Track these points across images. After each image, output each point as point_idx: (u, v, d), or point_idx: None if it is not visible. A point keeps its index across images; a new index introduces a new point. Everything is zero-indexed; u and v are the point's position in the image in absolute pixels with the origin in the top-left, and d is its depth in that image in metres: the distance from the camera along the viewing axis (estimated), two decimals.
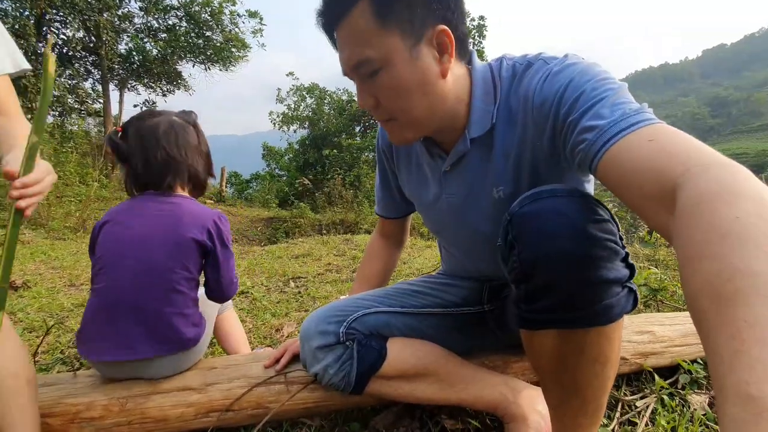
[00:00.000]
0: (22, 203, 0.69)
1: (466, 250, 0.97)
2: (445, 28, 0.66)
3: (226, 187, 13.15)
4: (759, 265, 0.30)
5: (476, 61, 0.77)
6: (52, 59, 0.61)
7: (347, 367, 0.88)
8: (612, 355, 0.64)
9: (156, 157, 1.00)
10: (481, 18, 15.18)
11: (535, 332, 0.65)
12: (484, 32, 15.17)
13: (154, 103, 13.00)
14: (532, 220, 0.59)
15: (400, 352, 0.90)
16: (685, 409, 1.00)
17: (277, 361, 1.02)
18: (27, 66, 0.86)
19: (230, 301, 1.33)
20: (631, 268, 0.62)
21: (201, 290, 1.19)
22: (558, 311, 0.59)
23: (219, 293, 1.06)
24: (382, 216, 1.14)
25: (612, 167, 0.52)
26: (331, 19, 0.69)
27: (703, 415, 0.98)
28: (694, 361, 1.16)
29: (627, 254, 0.61)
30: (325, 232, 6.94)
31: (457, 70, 0.73)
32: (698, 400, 1.03)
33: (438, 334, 0.97)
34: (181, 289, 0.96)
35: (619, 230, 0.61)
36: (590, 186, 0.82)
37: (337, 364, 0.88)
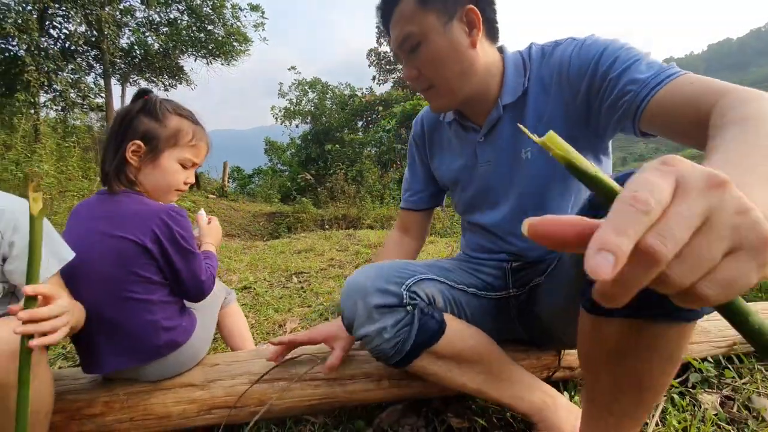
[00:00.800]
0: (33, 342, 0.59)
1: (501, 218, 0.97)
2: (473, 7, 0.81)
3: (228, 182, 13.15)
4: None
5: (507, 49, 0.91)
6: (38, 200, 0.50)
7: (404, 334, 0.79)
8: (679, 356, 0.60)
9: (102, 155, 0.95)
10: None
11: (604, 319, 0.59)
12: None
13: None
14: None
15: (459, 331, 0.84)
16: (696, 408, 0.99)
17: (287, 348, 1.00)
18: (70, 256, 0.83)
19: (233, 295, 1.31)
20: None
21: None
22: (648, 298, 0.52)
23: (185, 295, 0.97)
24: (405, 209, 1.18)
25: (658, 109, 0.63)
26: (387, 9, 0.86)
27: (715, 414, 0.96)
28: (704, 360, 1.14)
29: None
30: (327, 227, 6.93)
31: (487, 47, 0.86)
32: (709, 400, 1.01)
33: (475, 316, 0.92)
34: (136, 296, 0.89)
35: None
36: (608, 161, 0.90)
37: (394, 329, 0.79)
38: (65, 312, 0.67)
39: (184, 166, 0.99)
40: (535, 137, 0.31)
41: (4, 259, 0.77)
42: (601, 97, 0.74)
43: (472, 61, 0.84)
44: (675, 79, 0.64)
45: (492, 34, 0.87)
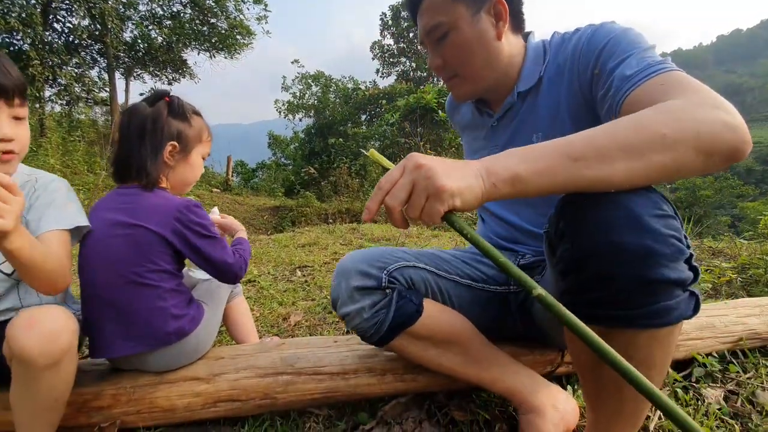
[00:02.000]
0: None
1: (508, 204, 1.01)
2: (502, 0, 0.84)
3: (232, 176, 13.20)
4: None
5: (533, 38, 0.93)
6: None
7: (382, 315, 0.84)
8: (661, 360, 0.59)
9: (119, 151, 1.01)
10: None
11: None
12: None
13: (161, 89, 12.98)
14: (588, 209, 0.55)
15: (435, 315, 0.88)
16: (699, 403, 0.98)
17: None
18: (83, 223, 0.93)
19: (239, 288, 1.32)
20: (695, 270, 0.56)
21: (204, 280, 1.18)
22: (608, 307, 0.55)
23: (220, 278, 1.04)
24: None
25: (630, 107, 0.64)
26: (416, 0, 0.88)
27: (719, 409, 0.96)
28: (708, 355, 1.13)
29: (692, 255, 0.55)
30: (331, 221, 6.94)
31: (512, 38, 0.90)
32: (713, 394, 1.01)
33: (462, 305, 0.95)
34: (149, 283, 0.93)
35: (683, 229, 0.56)
36: None
37: (372, 310, 0.84)
38: (15, 203, 0.67)
39: (204, 159, 1.10)
40: (364, 151, 0.62)
41: (29, 209, 0.90)
42: (598, 85, 0.77)
43: (497, 52, 0.87)
44: (652, 78, 0.65)
45: (517, 24, 0.90)
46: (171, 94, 1.06)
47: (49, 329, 0.73)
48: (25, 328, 0.71)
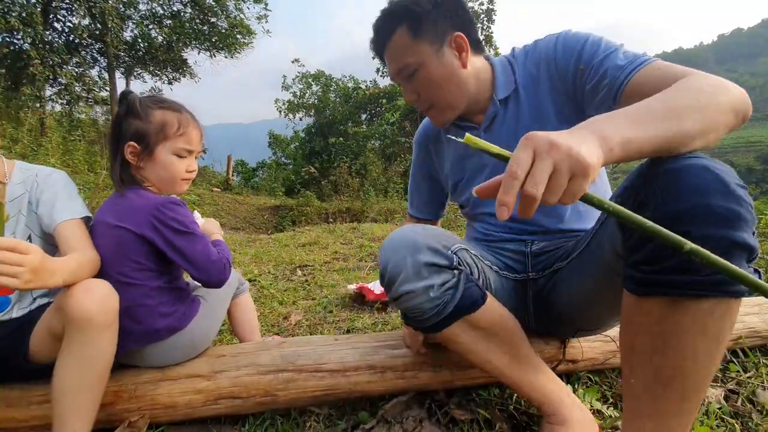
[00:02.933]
0: None
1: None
2: (460, 33, 0.92)
3: (232, 175, 13.19)
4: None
5: (493, 57, 1.02)
6: (4, 192, 0.72)
7: (448, 296, 0.79)
8: (725, 339, 0.57)
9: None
10: (491, 2, 14.87)
11: (645, 300, 0.59)
12: (493, 17, 14.85)
13: (160, 90, 12.98)
14: (675, 175, 0.56)
15: (495, 307, 0.85)
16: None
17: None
18: (89, 214, 1.00)
19: (246, 285, 1.33)
20: (757, 245, 0.56)
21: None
22: (693, 273, 0.54)
23: (204, 279, 0.99)
24: (414, 216, 1.28)
25: (632, 91, 0.75)
26: (380, 43, 0.96)
27: (719, 408, 0.96)
28: None
29: (755, 231, 0.56)
30: (331, 220, 6.95)
31: (476, 61, 0.97)
32: (714, 394, 1.01)
33: (496, 293, 0.95)
34: (135, 282, 0.94)
35: None
36: None
37: (440, 289, 0.78)
38: (26, 262, 0.71)
39: (179, 156, 1.01)
40: (453, 137, 0.60)
41: (37, 204, 0.97)
42: (586, 79, 0.85)
43: (466, 79, 0.95)
44: (646, 66, 0.75)
45: (478, 48, 0.98)
46: (132, 92, 1.02)
47: (103, 293, 0.84)
48: (85, 292, 0.81)
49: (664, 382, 0.60)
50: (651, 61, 0.76)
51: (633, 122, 0.56)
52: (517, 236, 1.03)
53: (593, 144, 0.52)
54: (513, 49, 1.01)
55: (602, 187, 1.02)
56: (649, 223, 0.47)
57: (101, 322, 0.82)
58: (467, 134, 0.52)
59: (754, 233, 0.56)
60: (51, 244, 0.96)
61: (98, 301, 0.82)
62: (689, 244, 0.47)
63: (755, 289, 0.46)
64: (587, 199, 0.50)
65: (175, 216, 0.95)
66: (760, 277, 0.55)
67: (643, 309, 0.60)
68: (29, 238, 0.96)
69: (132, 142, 0.97)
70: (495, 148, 0.52)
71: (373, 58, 1.04)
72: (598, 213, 0.88)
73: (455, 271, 0.81)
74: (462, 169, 1.09)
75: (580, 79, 0.86)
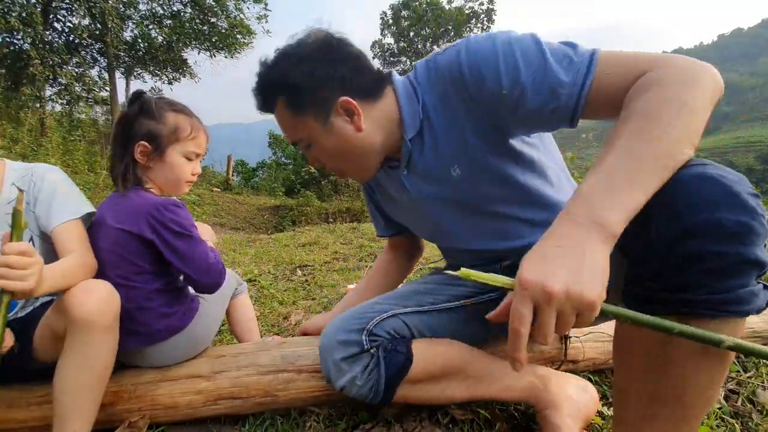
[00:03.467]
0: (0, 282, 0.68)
1: (449, 239, 0.99)
2: (345, 98, 0.78)
3: (232, 175, 13.20)
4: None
5: (396, 78, 0.86)
6: (22, 198, 0.71)
7: (374, 376, 0.83)
8: (731, 358, 0.55)
9: (111, 160, 1.03)
10: (491, 2, 14.87)
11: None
12: (493, 17, 14.88)
13: (160, 90, 12.99)
14: (682, 187, 0.51)
15: (426, 354, 0.86)
16: None
17: None
18: (90, 209, 0.97)
19: (244, 286, 1.33)
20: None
21: None
22: (698, 290, 0.51)
23: (197, 283, 0.99)
24: (383, 236, 1.20)
25: (594, 104, 0.65)
26: (266, 112, 0.86)
27: (719, 408, 0.96)
28: None
29: (767, 244, 0.53)
30: (331, 220, 6.95)
31: (376, 111, 0.82)
32: None
33: (457, 328, 0.94)
34: (134, 285, 0.93)
35: None
36: (538, 140, 0.86)
37: (364, 375, 0.83)
38: (34, 266, 0.73)
39: (188, 159, 1.03)
40: (451, 272, 0.57)
41: (35, 203, 0.95)
42: (516, 102, 0.69)
43: (365, 140, 0.82)
44: (596, 71, 0.64)
45: (371, 93, 0.82)
46: (146, 93, 1.03)
47: (103, 294, 0.83)
48: (85, 292, 0.81)
49: (663, 404, 0.57)
50: (594, 60, 0.64)
51: (631, 187, 0.51)
52: (486, 263, 0.97)
53: (594, 260, 0.48)
54: (415, 67, 0.85)
55: None
56: (678, 326, 0.48)
57: (101, 323, 0.82)
58: (462, 269, 0.54)
59: (766, 246, 0.52)
60: (49, 243, 0.96)
61: (98, 302, 0.81)
62: (726, 341, 0.48)
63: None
64: (603, 315, 0.50)
65: (175, 218, 0.94)
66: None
67: (644, 328, 0.55)
68: (30, 240, 0.96)
69: (144, 142, 0.98)
70: (495, 280, 0.54)
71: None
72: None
73: (372, 351, 0.84)
74: (398, 210, 1.04)
75: (504, 103, 0.70)
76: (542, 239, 0.53)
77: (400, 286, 1.09)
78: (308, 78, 0.77)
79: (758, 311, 0.52)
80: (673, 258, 0.52)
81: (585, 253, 0.48)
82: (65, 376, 0.83)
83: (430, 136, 0.83)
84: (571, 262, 0.48)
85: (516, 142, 0.80)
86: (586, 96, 0.64)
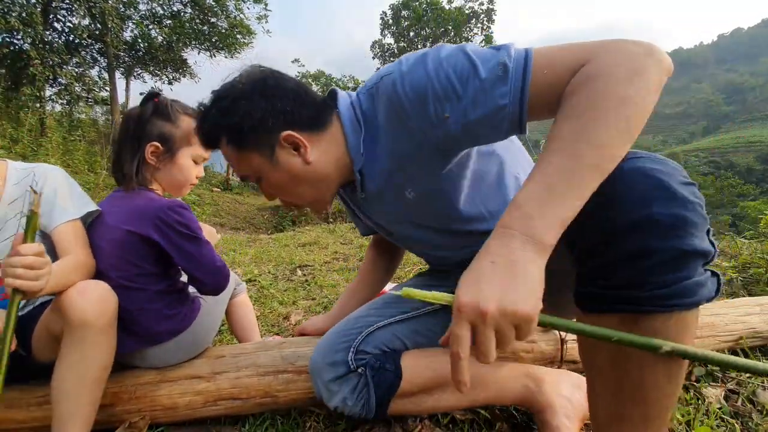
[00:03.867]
0: (16, 282, 0.69)
1: (423, 251, 1.00)
2: (288, 132, 0.75)
3: (232, 175, 13.19)
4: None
5: (342, 100, 0.82)
6: (36, 200, 0.70)
7: (365, 395, 0.84)
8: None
9: (112, 154, 1.03)
10: (491, 2, 14.86)
11: (601, 317, 0.55)
12: (493, 17, 14.87)
13: (160, 90, 12.98)
14: (614, 186, 0.52)
15: (416, 367, 0.87)
16: (700, 402, 0.98)
17: None
18: (92, 208, 0.98)
19: (243, 286, 1.33)
20: (713, 246, 0.52)
21: None
22: (640, 288, 0.51)
23: (203, 285, 0.99)
24: (366, 235, 1.20)
25: (535, 107, 0.61)
26: (211, 148, 0.84)
27: (719, 408, 0.96)
28: None
29: (710, 229, 0.53)
30: (331, 220, 6.94)
31: (323, 142, 0.79)
32: (714, 394, 1.01)
33: (444, 331, 0.93)
34: (138, 286, 0.93)
35: None
36: (500, 147, 0.84)
37: (353, 395, 0.84)
38: (47, 267, 0.74)
39: (196, 162, 1.06)
40: (395, 292, 0.71)
41: None
42: (459, 124, 0.66)
43: (315, 172, 0.79)
44: (532, 75, 0.60)
45: (318, 125, 0.79)
46: (162, 95, 1.04)
47: (99, 294, 0.83)
48: (81, 294, 0.81)
49: (626, 404, 0.57)
50: (528, 61, 0.60)
51: (565, 192, 0.50)
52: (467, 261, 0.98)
53: (532, 268, 0.49)
54: (358, 92, 0.83)
55: None
56: (617, 334, 0.50)
57: (98, 324, 0.81)
58: (404, 288, 0.56)
59: (709, 231, 0.53)
60: (48, 242, 0.96)
61: (94, 303, 0.81)
62: (665, 347, 0.49)
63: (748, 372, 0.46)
64: (543, 325, 0.52)
65: (182, 219, 0.94)
66: (718, 280, 0.55)
67: (600, 326, 0.56)
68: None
69: (156, 143, 0.99)
70: (437, 298, 0.55)
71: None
72: None
73: (359, 371, 0.84)
74: (366, 225, 1.06)
75: (448, 125, 0.67)
76: (477, 256, 0.53)
77: (382, 295, 1.07)
78: (247, 116, 0.74)
79: (708, 300, 0.53)
80: (615, 256, 0.52)
81: (517, 268, 0.49)
82: (62, 378, 0.82)
83: (379, 162, 0.79)
84: (504, 279, 0.49)
85: (466, 160, 0.77)
86: (528, 102, 0.61)
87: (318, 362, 0.87)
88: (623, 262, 0.51)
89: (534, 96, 0.60)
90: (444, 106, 0.65)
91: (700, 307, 0.54)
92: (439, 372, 0.87)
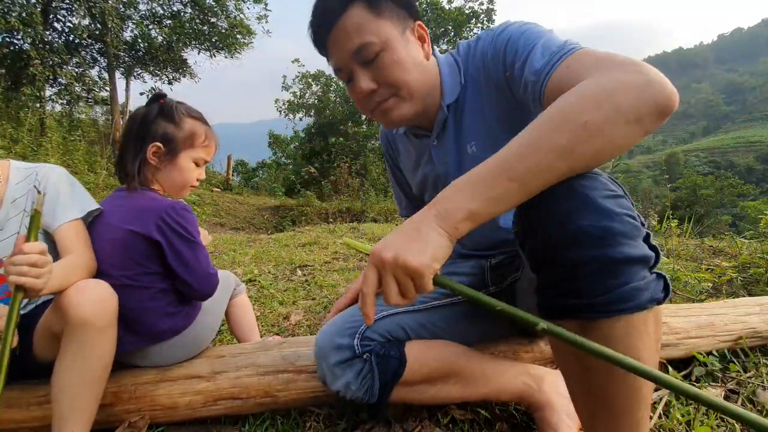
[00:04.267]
0: (20, 279, 0.70)
1: None
2: (420, 23, 0.85)
3: (232, 175, 13.19)
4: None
5: (437, 53, 0.92)
6: (40, 199, 0.72)
7: (369, 381, 0.85)
8: (644, 354, 0.55)
9: (119, 155, 1.04)
10: (491, 2, 14.86)
11: (562, 324, 0.56)
12: (493, 17, 14.87)
13: (162, 91, 12.97)
14: (544, 204, 0.56)
15: (420, 357, 0.88)
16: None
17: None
18: (93, 207, 0.98)
19: (243, 286, 1.33)
20: (655, 250, 0.56)
21: None
22: (580, 296, 0.54)
23: (193, 289, 0.98)
24: (405, 216, 1.21)
25: (551, 95, 0.64)
26: (327, 24, 0.80)
27: None
28: (709, 353, 1.13)
29: (649, 234, 0.56)
30: (331, 220, 6.95)
31: (431, 58, 0.88)
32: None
33: (448, 326, 0.95)
34: (142, 285, 0.94)
35: (634, 208, 0.58)
36: None
37: (357, 380, 0.85)
38: (49, 265, 0.75)
39: (197, 164, 1.06)
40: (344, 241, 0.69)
41: None
42: (514, 84, 0.77)
43: (428, 69, 0.86)
44: (559, 66, 0.65)
45: (430, 48, 0.87)
46: (168, 97, 1.05)
47: (99, 294, 0.84)
48: (80, 293, 0.81)
49: (596, 401, 0.60)
50: (565, 55, 0.66)
51: (482, 192, 0.55)
52: (481, 252, 1.02)
53: (430, 235, 0.55)
54: (458, 45, 0.92)
55: None
56: (501, 305, 0.54)
57: (97, 324, 0.82)
58: (345, 238, 0.63)
59: (648, 236, 0.56)
60: (50, 241, 0.97)
61: (93, 303, 0.81)
62: (542, 323, 0.51)
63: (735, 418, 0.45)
64: (439, 285, 0.57)
65: (182, 221, 0.95)
66: (664, 282, 0.57)
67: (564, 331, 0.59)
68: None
69: (158, 143, 1.00)
70: (362, 248, 0.68)
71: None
72: None
73: (365, 356, 0.86)
74: (420, 177, 1.04)
75: (512, 85, 0.78)
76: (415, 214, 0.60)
77: None
78: None
79: (655, 302, 0.55)
80: (554, 267, 0.56)
81: (420, 232, 0.56)
82: (63, 377, 0.83)
83: (461, 109, 0.89)
84: (406, 238, 0.56)
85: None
86: (547, 84, 0.66)
87: (324, 345, 0.88)
88: (565, 272, 0.55)
89: (552, 82, 0.66)
90: (507, 64, 0.77)
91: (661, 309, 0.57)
92: (442, 363, 0.89)
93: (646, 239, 0.56)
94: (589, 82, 0.57)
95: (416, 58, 0.83)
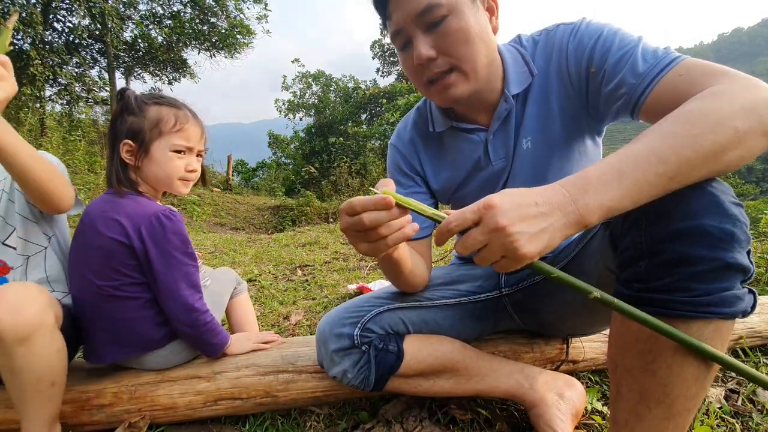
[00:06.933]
0: None
1: None
2: None
3: (232, 175, 13.20)
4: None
5: (500, 44, 0.86)
6: (14, 17, 0.70)
7: (365, 371, 0.86)
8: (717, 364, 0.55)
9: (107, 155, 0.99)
10: None
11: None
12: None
13: (160, 90, 12.98)
14: (670, 197, 0.54)
15: (417, 353, 0.89)
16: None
17: None
18: (75, 199, 0.94)
19: (244, 285, 1.32)
20: (752, 265, 0.55)
21: (207, 276, 1.18)
22: (682, 293, 0.53)
23: (173, 320, 0.92)
24: (419, 238, 1.03)
25: (654, 104, 0.64)
26: None
27: (719, 408, 0.96)
28: None
29: (750, 250, 0.55)
30: (331, 220, 6.95)
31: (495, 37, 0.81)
32: (714, 393, 1.01)
33: (452, 324, 0.95)
34: (130, 295, 0.91)
35: None
36: (599, 141, 0.90)
37: (355, 369, 0.86)
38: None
39: (178, 152, 0.97)
40: (373, 189, 0.59)
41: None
42: (599, 85, 0.73)
43: (494, 45, 0.79)
44: (669, 71, 0.64)
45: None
46: (129, 89, 0.97)
47: (13, 301, 0.72)
48: None
49: (650, 404, 0.58)
50: (676, 61, 0.64)
51: (629, 187, 0.52)
52: None
53: (556, 223, 0.51)
54: (519, 37, 0.86)
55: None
56: (579, 282, 0.53)
57: (12, 338, 0.71)
58: (385, 189, 0.57)
59: (749, 252, 0.54)
60: (32, 221, 0.92)
61: (7, 313, 0.71)
62: (596, 292, 0.51)
63: (742, 375, 0.49)
64: (530, 268, 0.54)
65: (171, 230, 0.91)
66: (754, 297, 0.56)
67: (632, 328, 0.58)
68: (14, 231, 0.92)
69: (128, 140, 0.93)
70: (423, 210, 0.57)
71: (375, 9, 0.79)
72: None
73: (363, 347, 0.87)
74: (460, 179, 0.95)
75: (591, 82, 0.75)
76: (531, 189, 0.54)
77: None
78: None
79: (744, 314, 0.54)
80: (659, 259, 0.54)
81: (547, 220, 0.51)
82: (8, 388, 0.78)
83: (525, 101, 0.85)
84: (531, 218, 0.51)
85: (588, 136, 0.85)
86: (653, 88, 0.64)
87: (325, 331, 0.88)
88: (669, 266, 0.53)
89: (660, 88, 0.64)
90: (594, 60, 0.73)
91: None
92: (439, 360, 0.89)
93: (748, 253, 0.55)
94: (725, 87, 0.56)
95: (484, 30, 0.75)
